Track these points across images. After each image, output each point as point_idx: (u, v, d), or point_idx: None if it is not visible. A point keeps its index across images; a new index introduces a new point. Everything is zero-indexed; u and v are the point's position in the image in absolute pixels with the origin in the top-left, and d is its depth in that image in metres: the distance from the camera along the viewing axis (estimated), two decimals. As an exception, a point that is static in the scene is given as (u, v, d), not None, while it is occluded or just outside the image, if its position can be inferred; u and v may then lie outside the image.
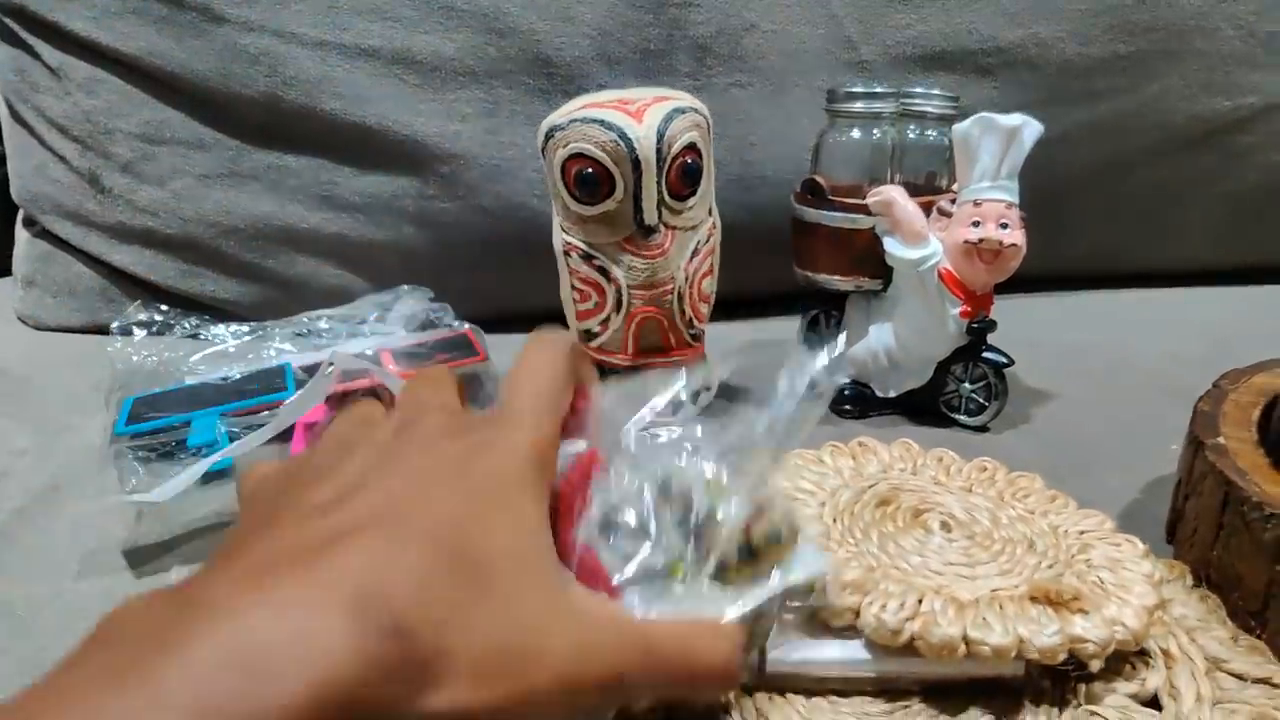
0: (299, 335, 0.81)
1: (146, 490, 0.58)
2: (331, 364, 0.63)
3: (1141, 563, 0.46)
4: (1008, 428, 0.71)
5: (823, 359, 0.31)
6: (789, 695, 0.43)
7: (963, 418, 0.70)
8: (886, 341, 0.70)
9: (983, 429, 0.70)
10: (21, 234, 0.96)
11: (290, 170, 0.88)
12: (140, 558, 0.57)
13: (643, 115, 0.61)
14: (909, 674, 0.43)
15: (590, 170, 0.61)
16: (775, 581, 0.35)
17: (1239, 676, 0.45)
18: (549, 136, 0.62)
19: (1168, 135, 0.95)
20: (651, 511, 0.35)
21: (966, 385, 0.70)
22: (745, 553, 0.36)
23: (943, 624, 0.42)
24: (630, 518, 0.35)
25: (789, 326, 0.79)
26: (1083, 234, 0.97)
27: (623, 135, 0.60)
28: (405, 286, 0.83)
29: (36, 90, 0.88)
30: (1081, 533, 0.49)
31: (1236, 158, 0.97)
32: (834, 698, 0.43)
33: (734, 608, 0.34)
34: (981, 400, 0.70)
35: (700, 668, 0.32)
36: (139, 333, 0.83)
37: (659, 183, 0.62)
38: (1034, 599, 0.43)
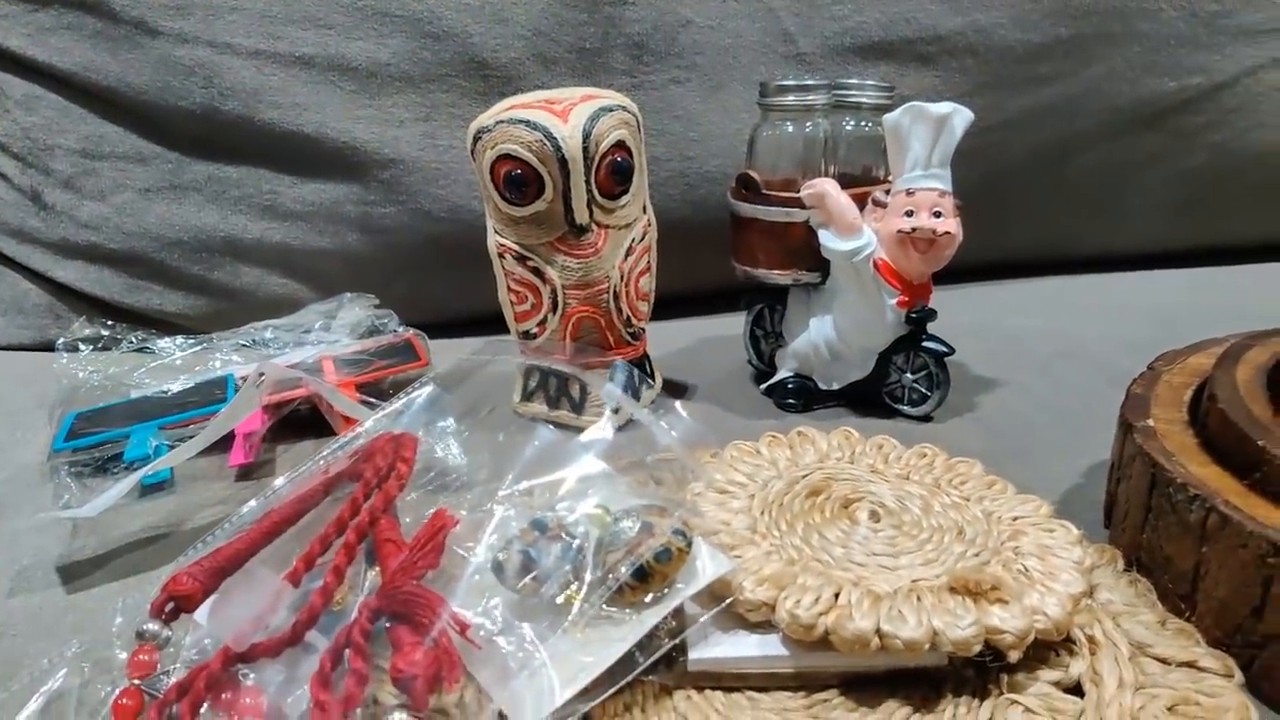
0: (245, 346, 0.81)
1: (80, 505, 0.58)
2: (262, 374, 0.63)
3: (1072, 549, 0.46)
4: (951, 416, 0.71)
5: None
6: (707, 693, 0.43)
7: (906, 408, 0.70)
8: (827, 334, 0.70)
9: (926, 418, 0.70)
10: (-35, 253, 0.95)
11: (231, 181, 0.87)
12: (73, 573, 0.56)
13: (568, 115, 0.60)
14: (828, 667, 0.43)
15: (518, 171, 0.61)
16: (675, 595, 0.35)
17: (1163, 661, 0.45)
18: (476, 139, 0.62)
19: (1113, 118, 0.95)
20: (535, 549, 0.36)
21: (909, 375, 0.70)
22: (639, 574, 0.36)
23: (856, 618, 0.41)
24: (515, 558, 0.35)
25: (736, 322, 0.79)
26: (1028, 220, 0.97)
27: (548, 135, 0.59)
28: (349, 294, 0.83)
29: (-26, 108, 0.87)
30: (1015, 519, 0.49)
31: (1184, 138, 0.97)
32: (753, 694, 0.43)
33: (631, 628, 0.33)
34: (924, 390, 0.70)
35: None
36: (85, 349, 0.83)
37: (588, 181, 0.61)
38: (953, 589, 0.43)
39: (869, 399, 0.71)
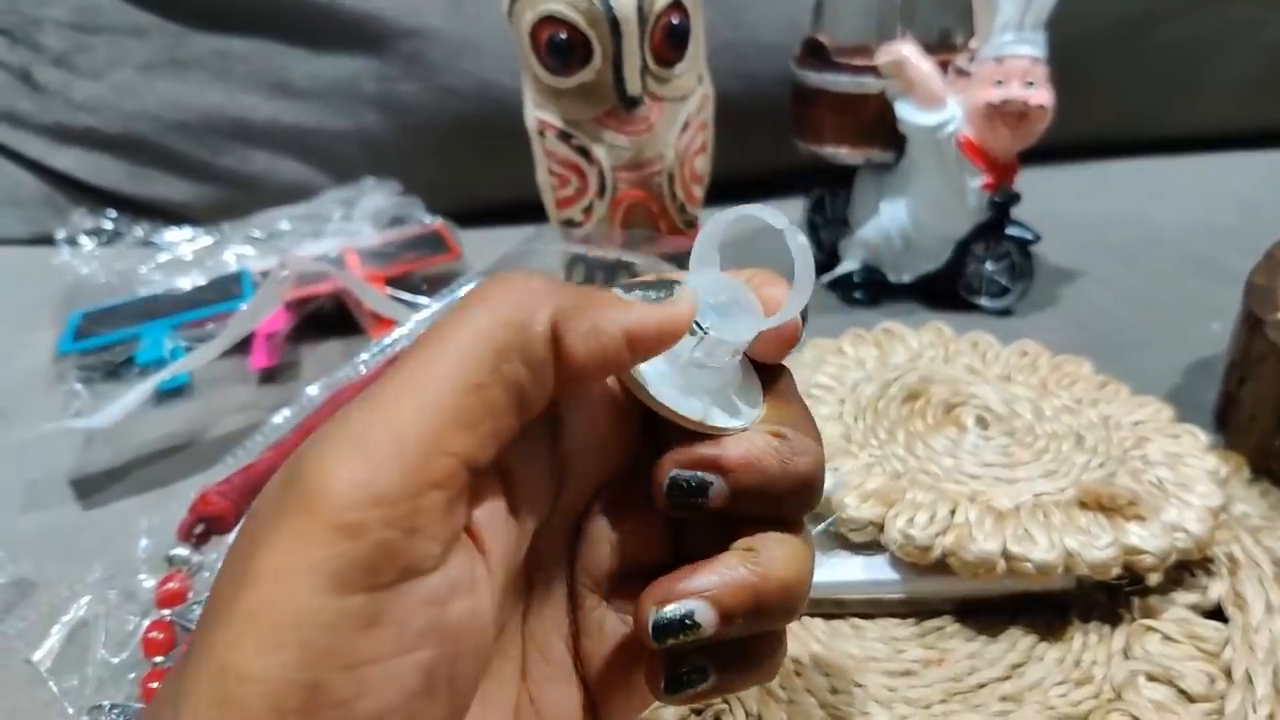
0: (259, 239, 0.75)
1: (91, 414, 0.53)
2: (285, 268, 0.58)
3: (1204, 458, 0.41)
4: (1033, 310, 0.65)
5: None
6: (806, 620, 0.39)
7: (985, 301, 0.65)
8: (900, 220, 0.64)
9: (1006, 312, 0.64)
10: (-46, 140, 0.89)
11: (237, 56, 0.81)
12: (88, 488, 0.52)
13: (620, -31, 0.53)
14: (942, 592, 0.39)
15: (563, 35, 0.54)
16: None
17: (1309, 580, 0.40)
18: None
19: (1202, -17, 0.87)
20: None
21: (988, 265, 0.64)
22: None
23: (979, 538, 0.37)
24: None
25: (792, 209, 0.72)
26: (1106, 97, 0.89)
27: (599, -8, 0.52)
28: (370, 179, 0.78)
29: (-49, -23, 0.80)
30: (1136, 424, 0.44)
31: (1271, 7, 0.89)
32: (858, 621, 0.39)
33: None
34: (1004, 282, 0.64)
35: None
36: (87, 242, 0.79)
37: (641, 47, 0.55)
38: (1083, 505, 0.38)
39: (942, 292, 0.66)
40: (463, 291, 0.49)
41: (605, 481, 0.24)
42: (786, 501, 0.23)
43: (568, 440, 0.23)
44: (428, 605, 0.19)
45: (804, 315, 0.24)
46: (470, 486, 0.20)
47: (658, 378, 0.23)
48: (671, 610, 0.21)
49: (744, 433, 0.23)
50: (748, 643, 0.22)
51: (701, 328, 0.22)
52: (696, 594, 0.21)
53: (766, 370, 0.25)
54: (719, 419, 0.23)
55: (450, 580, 0.19)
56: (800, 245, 0.22)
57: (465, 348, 0.19)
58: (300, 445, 0.19)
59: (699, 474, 0.22)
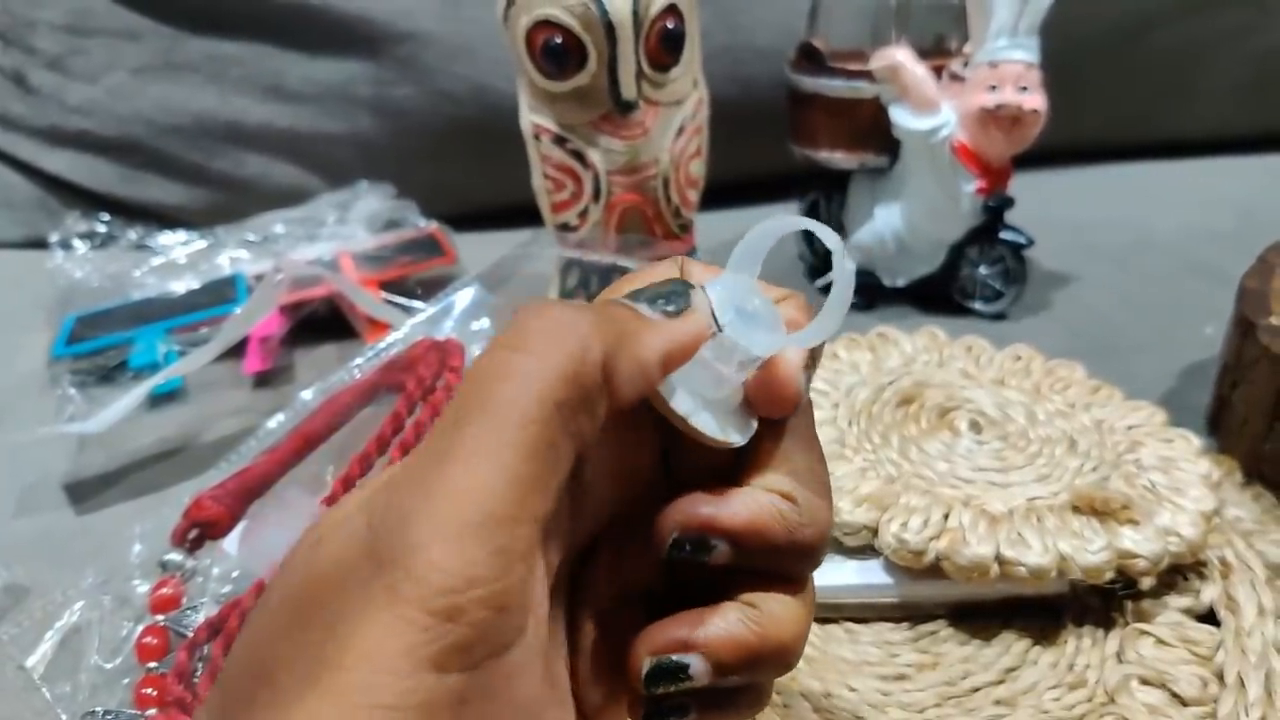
0: (253, 242, 0.75)
1: (85, 418, 0.53)
2: (280, 271, 0.57)
3: (1197, 461, 0.41)
4: (1027, 314, 0.65)
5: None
6: (801, 626, 0.39)
7: (979, 305, 0.65)
8: (894, 224, 0.64)
9: (1000, 316, 0.64)
10: (-53, 143, 0.88)
11: (232, 59, 0.80)
12: (82, 492, 0.52)
13: (615, -27, 0.53)
14: (936, 597, 0.39)
15: (558, 39, 0.54)
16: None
17: (1302, 584, 0.40)
18: (510, 3, 0.55)
19: (1196, -12, 0.87)
20: None
21: (982, 269, 0.64)
22: None
23: (972, 542, 0.37)
24: None
25: (787, 214, 0.72)
26: (1100, 102, 0.90)
27: (593, -3, 0.52)
28: (365, 183, 0.78)
29: (-56, -21, 0.80)
30: (1129, 428, 0.44)
31: (1266, 13, 0.89)
32: (851, 625, 0.39)
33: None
34: (998, 286, 0.64)
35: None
36: (81, 245, 0.78)
37: (636, 51, 0.55)
38: (1077, 509, 0.38)
39: (936, 295, 0.66)
40: (459, 297, 0.49)
41: (617, 510, 0.24)
42: (788, 564, 0.22)
43: (588, 472, 0.22)
44: (511, 677, 0.18)
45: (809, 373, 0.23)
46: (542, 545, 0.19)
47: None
48: (665, 660, 0.21)
49: (753, 494, 0.22)
50: (736, 689, 0.22)
51: (719, 325, 0.22)
52: (693, 647, 0.21)
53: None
54: (705, 423, 0.22)
55: (525, 649, 0.19)
56: (847, 270, 0.21)
57: (528, 405, 0.18)
58: (378, 516, 0.18)
59: (703, 536, 0.21)
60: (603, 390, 0.20)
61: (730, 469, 0.23)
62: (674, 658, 0.21)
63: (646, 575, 0.24)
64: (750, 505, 0.22)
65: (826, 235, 0.21)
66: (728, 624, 0.21)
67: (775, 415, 0.23)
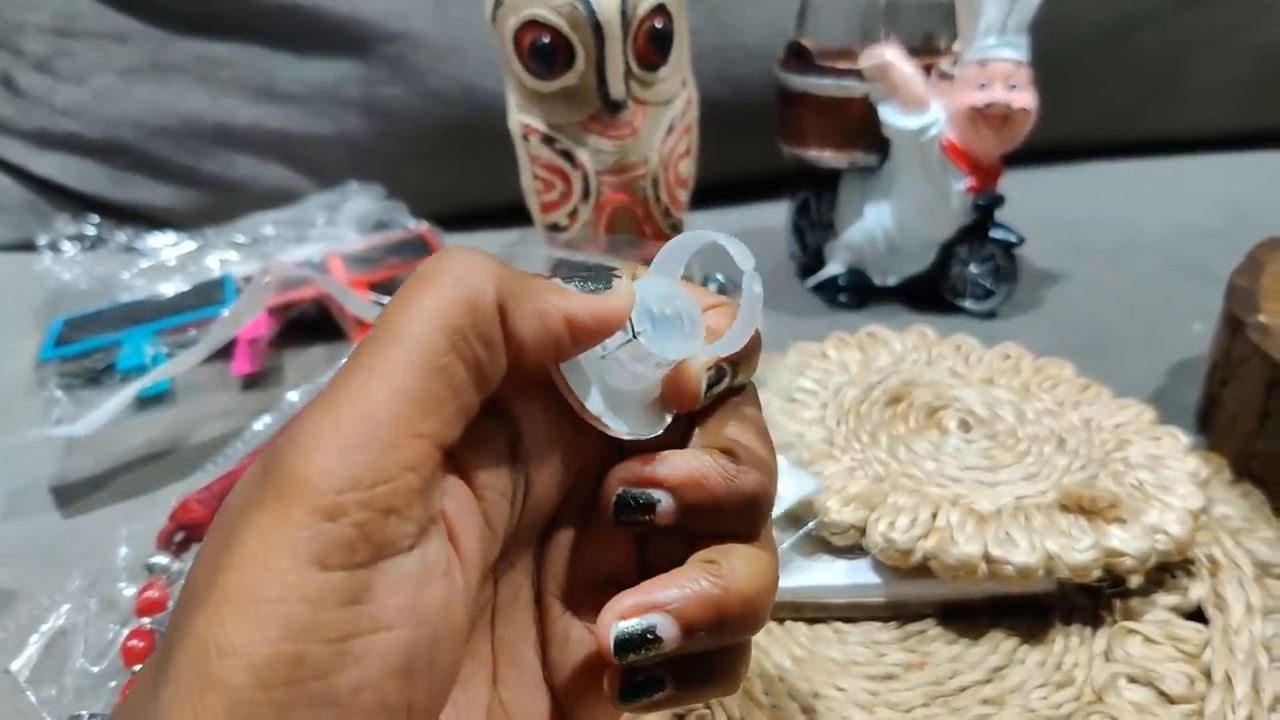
0: (242, 244, 0.75)
1: (72, 421, 0.53)
2: (267, 273, 0.57)
3: (1185, 459, 0.41)
4: (1016, 312, 0.65)
5: None
6: (789, 624, 0.39)
7: (969, 303, 0.65)
8: (884, 223, 0.64)
9: (990, 315, 0.64)
10: (-66, 146, 0.88)
11: (221, 60, 0.80)
12: (69, 495, 0.52)
13: (603, -28, 0.53)
14: (924, 596, 0.39)
15: (546, 39, 0.54)
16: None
17: (1290, 581, 0.40)
18: (498, 4, 0.55)
19: (1183, -13, 0.87)
20: None
21: (972, 268, 0.64)
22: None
23: (960, 542, 0.37)
24: None
25: (776, 212, 0.72)
26: (1088, 101, 0.90)
27: (581, -4, 0.52)
28: (354, 184, 0.77)
29: (-70, -19, 0.79)
30: (1117, 426, 0.44)
31: (1256, 10, 0.89)
32: (840, 625, 0.39)
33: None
34: (988, 284, 0.64)
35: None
36: (69, 248, 0.78)
37: (625, 51, 0.55)
38: (1064, 507, 0.38)
39: (927, 294, 0.66)
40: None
41: (571, 492, 0.24)
42: (735, 517, 0.23)
43: (528, 445, 0.23)
44: (405, 585, 0.19)
45: (732, 373, 0.23)
46: (442, 469, 0.20)
47: (577, 367, 0.23)
48: (632, 625, 0.21)
49: (691, 451, 0.23)
50: (709, 654, 0.22)
51: (635, 331, 0.22)
52: (657, 608, 0.21)
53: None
54: (612, 420, 0.22)
55: (426, 563, 0.19)
56: (754, 293, 0.22)
57: (423, 329, 0.20)
58: (281, 438, 0.19)
59: (645, 491, 0.22)
60: (496, 326, 0.20)
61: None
62: (640, 620, 0.21)
63: (612, 559, 0.24)
64: (689, 458, 0.22)
65: (740, 255, 0.22)
66: (689, 580, 0.21)
67: (680, 410, 0.24)
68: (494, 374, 0.21)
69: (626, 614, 0.21)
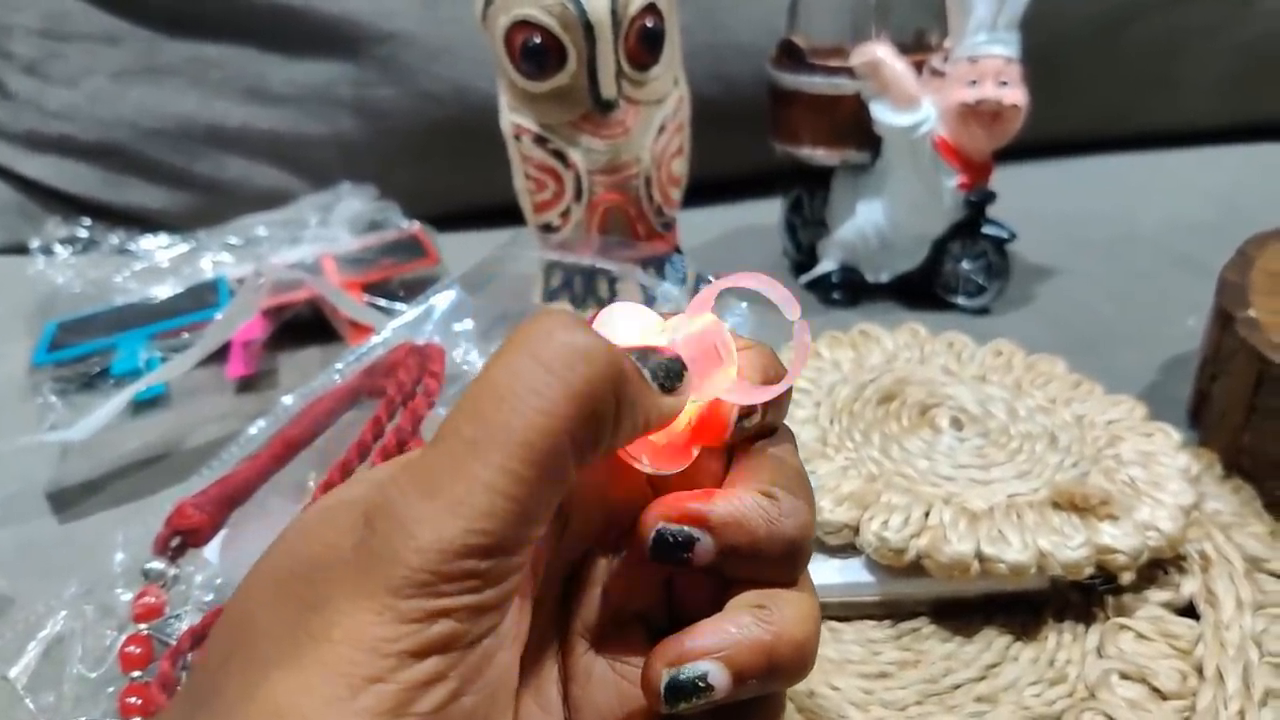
0: (235, 245, 0.75)
1: (66, 426, 0.53)
2: (260, 275, 0.57)
3: (1177, 456, 0.41)
4: (1010, 309, 0.65)
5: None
6: (784, 625, 0.39)
7: (961, 300, 0.65)
8: (876, 220, 0.64)
9: (983, 311, 0.65)
10: (-75, 149, 0.87)
11: (212, 61, 0.80)
12: (65, 501, 0.52)
13: (593, -28, 0.53)
14: (918, 594, 0.39)
15: (537, 39, 0.54)
16: None
17: (1280, 576, 0.41)
18: (488, 4, 0.55)
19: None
20: None
21: (965, 264, 0.64)
22: None
23: (953, 540, 0.37)
24: None
25: (769, 209, 0.73)
26: (1081, 94, 0.90)
27: (571, -4, 0.52)
28: (347, 184, 0.77)
29: (-82, -16, 0.79)
30: (1109, 423, 0.44)
31: (1246, 5, 0.89)
32: (834, 624, 0.39)
33: None
34: (981, 281, 0.64)
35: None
36: (62, 251, 0.78)
37: (616, 50, 0.54)
38: (1057, 505, 0.39)
39: (920, 291, 0.66)
40: (440, 299, 0.48)
41: (603, 529, 0.24)
42: (774, 561, 0.22)
43: (576, 496, 0.23)
44: (486, 656, 0.19)
45: (763, 413, 0.23)
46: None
47: None
48: (685, 672, 0.20)
49: (733, 491, 0.22)
50: (753, 708, 0.22)
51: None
52: (709, 654, 0.20)
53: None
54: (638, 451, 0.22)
55: (501, 635, 0.19)
56: (804, 343, 0.22)
57: (546, 439, 0.19)
58: (377, 509, 0.19)
59: (685, 528, 0.22)
60: (609, 435, 0.20)
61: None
62: (692, 667, 0.20)
63: (641, 597, 0.24)
64: (730, 498, 0.22)
65: (785, 305, 0.22)
66: (742, 626, 0.21)
67: (707, 445, 0.23)
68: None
69: (677, 660, 0.20)
